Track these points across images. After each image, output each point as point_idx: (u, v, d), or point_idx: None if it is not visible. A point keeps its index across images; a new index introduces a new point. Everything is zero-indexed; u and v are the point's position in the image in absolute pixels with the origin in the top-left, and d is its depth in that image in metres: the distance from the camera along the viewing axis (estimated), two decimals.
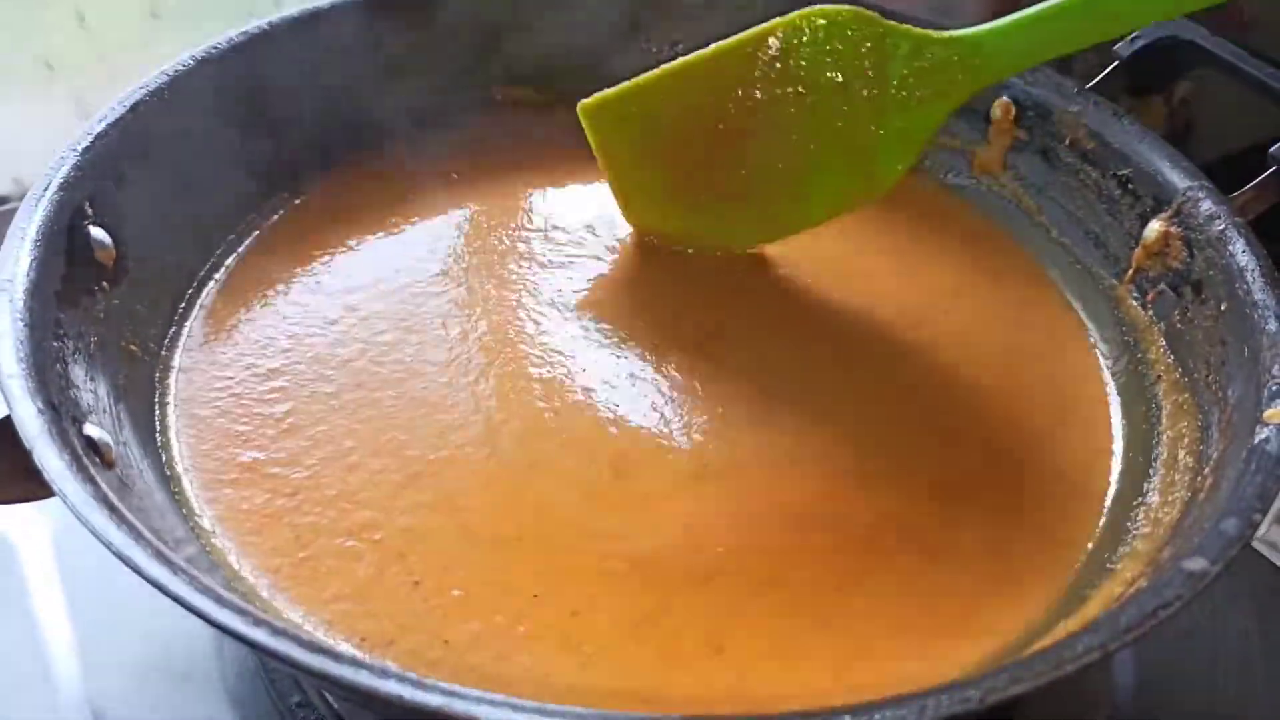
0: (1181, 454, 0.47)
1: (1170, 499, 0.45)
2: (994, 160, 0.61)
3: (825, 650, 0.41)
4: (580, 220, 0.60)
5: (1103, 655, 0.33)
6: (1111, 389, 0.53)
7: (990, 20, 0.51)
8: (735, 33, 0.52)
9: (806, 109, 0.52)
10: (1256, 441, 0.41)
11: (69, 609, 0.51)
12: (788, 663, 0.40)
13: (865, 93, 0.51)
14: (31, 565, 0.53)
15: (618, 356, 0.52)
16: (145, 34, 0.79)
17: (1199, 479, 0.44)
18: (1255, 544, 0.58)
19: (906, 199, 0.62)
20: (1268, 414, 0.41)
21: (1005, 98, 0.60)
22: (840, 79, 0.51)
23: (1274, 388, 0.42)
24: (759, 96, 0.52)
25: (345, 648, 0.40)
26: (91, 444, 0.39)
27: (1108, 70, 0.59)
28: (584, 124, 0.56)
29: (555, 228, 0.59)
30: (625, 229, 0.59)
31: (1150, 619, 0.34)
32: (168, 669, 0.49)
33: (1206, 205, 0.51)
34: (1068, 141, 0.58)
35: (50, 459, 0.35)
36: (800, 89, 0.51)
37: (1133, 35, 0.58)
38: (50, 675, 0.49)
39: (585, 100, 0.55)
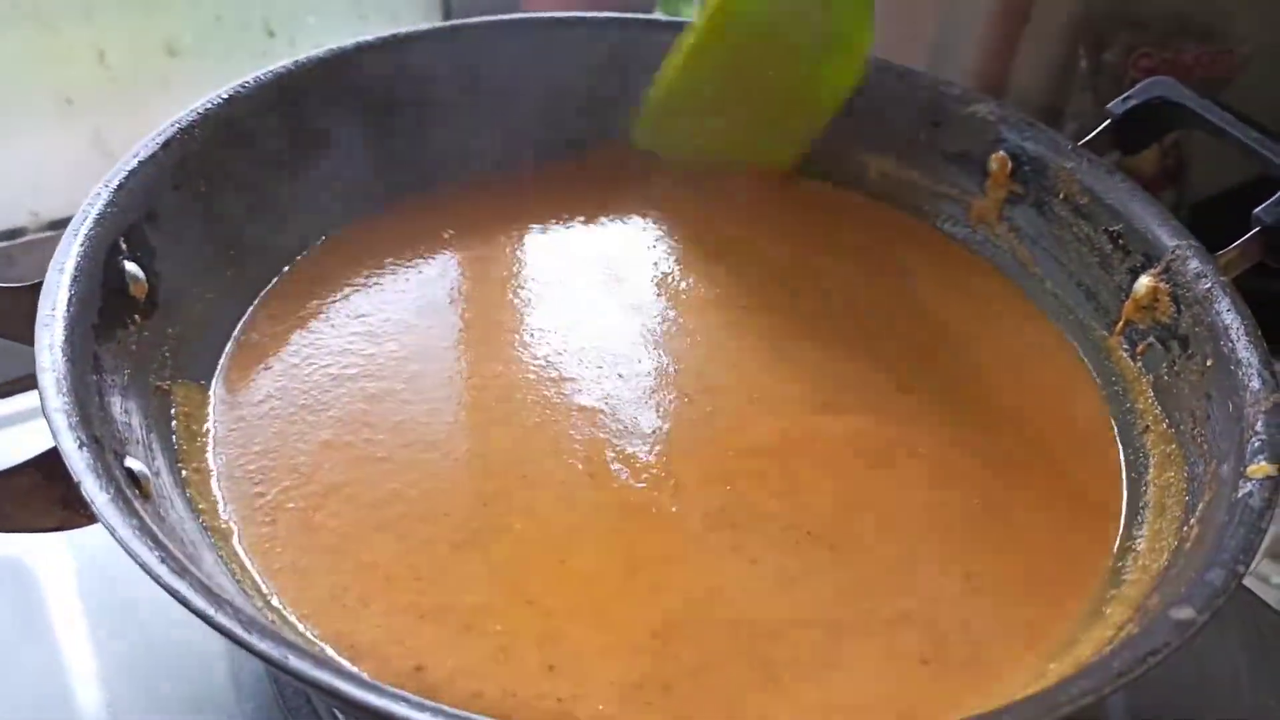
0: (1169, 503, 0.48)
1: (1158, 546, 0.46)
2: (990, 211, 0.63)
3: (833, 691, 0.42)
4: (626, 259, 0.61)
5: (1097, 699, 0.35)
6: (1118, 435, 0.54)
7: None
8: None
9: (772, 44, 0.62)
10: (1240, 495, 0.42)
11: (91, 639, 0.52)
12: (799, 704, 0.41)
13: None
14: (54, 596, 0.54)
15: (655, 407, 0.53)
16: (163, 71, 0.81)
17: (1185, 528, 0.45)
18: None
19: (908, 240, 0.65)
20: (1251, 469, 0.43)
21: (1002, 152, 0.62)
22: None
23: (1256, 443, 0.44)
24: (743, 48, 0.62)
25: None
26: (132, 477, 0.40)
27: (1100, 128, 0.60)
28: (644, 133, 0.64)
29: (607, 276, 0.60)
30: (666, 270, 0.61)
31: (1141, 664, 0.36)
32: (186, 698, 0.50)
33: (1194, 264, 0.52)
34: (1062, 196, 0.59)
35: (97, 493, 0.36)
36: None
37: (1125, 95, 0.60)
38: (72, 704, 0.50)
39: (639, 124, 0.64)
